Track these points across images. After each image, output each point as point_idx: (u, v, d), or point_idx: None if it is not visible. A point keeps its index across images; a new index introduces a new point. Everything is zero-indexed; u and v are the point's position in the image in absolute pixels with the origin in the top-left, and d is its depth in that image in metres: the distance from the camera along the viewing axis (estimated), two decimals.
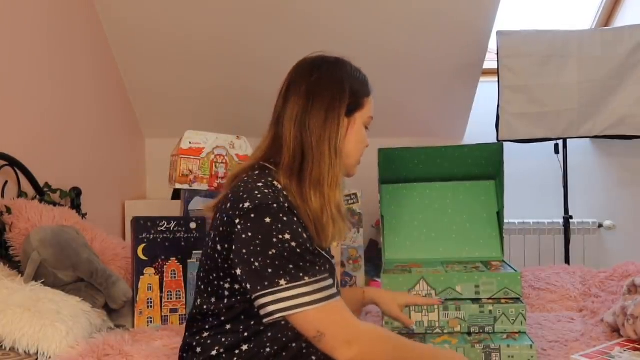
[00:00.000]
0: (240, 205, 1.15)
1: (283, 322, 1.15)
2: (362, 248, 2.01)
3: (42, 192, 2.24)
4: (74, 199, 2.44)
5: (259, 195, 1.16)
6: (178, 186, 2.13)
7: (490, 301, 1.49)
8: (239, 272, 1.15)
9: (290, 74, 1.31)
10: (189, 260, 1.86)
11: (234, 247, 1.15)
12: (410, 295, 1.54)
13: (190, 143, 2.14)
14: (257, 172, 1.24)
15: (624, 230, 3.42)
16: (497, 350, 1.36)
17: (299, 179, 1.21)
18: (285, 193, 1.19)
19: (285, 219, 1.15)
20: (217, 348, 1.19)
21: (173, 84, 3.14)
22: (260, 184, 1.18)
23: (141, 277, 1.81)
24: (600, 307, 1.82)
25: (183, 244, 1.87)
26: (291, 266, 1.12)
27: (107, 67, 2.96)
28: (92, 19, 2.77)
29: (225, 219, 1.18)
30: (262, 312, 1.12)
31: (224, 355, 1.18)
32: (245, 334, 1.18)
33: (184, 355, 1.27)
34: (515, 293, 1.51)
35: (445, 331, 1.49)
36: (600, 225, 3.40)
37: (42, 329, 1.45)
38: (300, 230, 1.16)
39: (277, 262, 1.11)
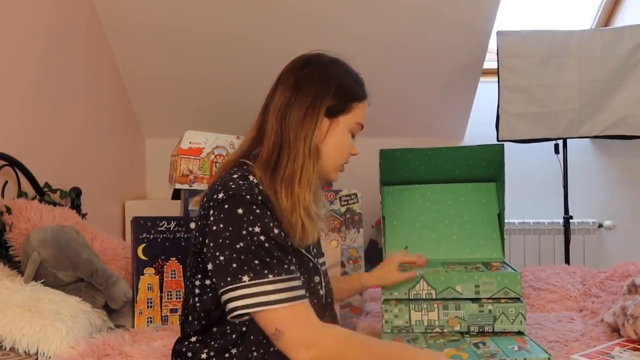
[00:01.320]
0: (215, 197, 1.14)
1: (233, 320, 1.13)
2: (362, 248, 2.01)
3: (42, 192, 2.24)
4: (74, 199, 2.44)
5: (232, 186, 1.14)
6: (178, 186, 2.13)
7: (490, 300, 1.49)
8: (210, 267, 1.13)
9: (285, 66, 1.29)
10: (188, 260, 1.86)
11: (206, 241, 1.14)
12: (403, 255, 1.57)
13: (190, 143, 2.14)
14: (235, 169, 1.22)
15: (624, 230, 3.42)
16: None
17: (272, 173, 1.19)
18: (260, 187, 1.16)
19: (257, 211, 1.12)
20: (206, 351, 1.18)
21: (173, 84, 3.14)
22: (235, 176, 1.17)
23: (141, 277, 1.81)
24: (600, 307, 1.82)
25: (183, 244, 1.87)
26: (256, 262, 1.09)
27: (107, 67, 2.96)
28: (92, 19, 2.77)
29: (202, 212, 1.17)
30: (227, 308, 1.10)
31: (214, 359, 1.17)
32: (233, 336, 1.16)
33: None
34: (515, 293, 1.51)
35: (445, 330, 1.49)
36: (600, 225, 3.41)
37: (42, 329, 1.45)
38: (271, 224, 1.13)
39: (242, 257, 1.09)
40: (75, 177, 2.52)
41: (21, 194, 2.14)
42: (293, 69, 1.26)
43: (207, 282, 1.17)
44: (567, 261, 3.06)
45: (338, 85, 1.24)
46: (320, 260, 1.34)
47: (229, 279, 1.09)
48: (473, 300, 1.50)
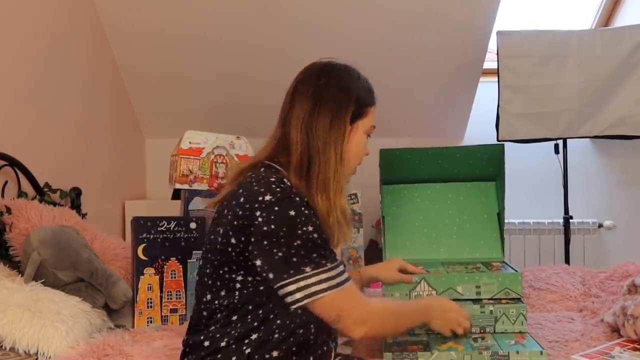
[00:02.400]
0: (260, 198, 1.19)
1: (292, 309, 1.18)
2: (362, 248, 2.01)
3: (42, 192, 2.24)
4: (74, 199, 2.44)
5: (278, 189, 1.20)
6: (178, 186, 2.13)
7: (491, 301, 1.49)
8: (258, 262, 1.19)
9: (298, 76, 1.34)
10: (189, 260, 1.86)
11: (252, 239, 1.18)
12: (402, 261, 1.60)
13: (190, 143, 2.14)
14: (263, 170, 1.27)
15: (624, 230, 3.42)
16: (506, 356, 1.33)
17: (307, 180, 1.25)
18: (295, 190, 1.23)
19: (307, 212, 1.20)
20: (226, 339, 1.20)
21: (173, 84, 3.14)
22: (272, 179, 1.22)
23: (141, 277, 1.81)
24: (600, 307, 1.82)
25: (183, 244, 1.87)
26: (314, 255, 1.18)
27: (107, 67, 2.96)
28: (92, 19, 2.77)
29: (240, 212, 1.20)
30: (290, 299, 1.18)
31: (233, 346, 1.19)
32: (255, 324, 1.20)
33: (187, 356, 1.27)
34: (516, 293, 1.51)
35: None
36: (600, 225, 3.40)
37: (42, 329, 1.45)
38: (319, 223, 1.22)
39: (302, 252, 1.17)
40: (75, 177, 2.52)
41: (21, 194, 2.14)
42: (309, 79, 1.32)
43: (249, 278, 1.21)
44: (567, 261, 3.06)
45: (356, 92, 1.32)
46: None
47: (291, 271, 1.17)
48: (474, 301, 1.50)
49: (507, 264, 1.65)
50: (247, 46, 2.96)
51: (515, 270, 1.56)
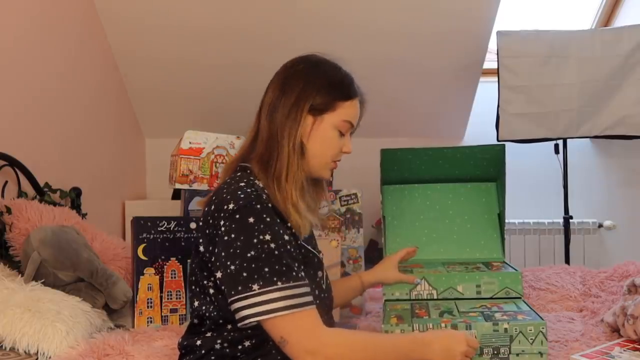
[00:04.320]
0: (225, 207, 1.16)
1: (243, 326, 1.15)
2: (362, 248, 2.01)
3: (42, 192, 2.24)
4: (74, 199, 2.44)
5: (242, 196, 1.16)
6: (178, 186, 2.13)
7: (505, 317, 1.36)
8: (218, 275, 1.16)
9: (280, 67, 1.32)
10: (189, 260, 1.86)
11: (215, 250, 1.17)
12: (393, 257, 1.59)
13: (190, 143, 2.14)
14: (238, 174, 1.25)
15: (624, 230, 3.42)
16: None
17: (265, 169, 1.23)
18: (266, 191, 1.21)
19: (268, 219, 1.15)
20: (219, 342, 1.20)
21: (173, 84, 3.14)
22: (242, 184, 1.20)
23: (141, 277, 1.81)
24: (600, 307, 1.82)
25: (183, 244, 1.87)
26: (266, 269, 1.11)
27: (107, 67, 2.96)
28: (92, 19, 2.77)
29: (210, 221, 1.19)
30: (237, 316, 1.13)
31: (227, 350, 1.19)
32: (249, 331, 1.18)
33: (183, 358, 1.27)
34: (517, 292, 1.51)
35: None
36: (600, 225, 3.41)
37: (42, 329, 1.45)
38: (281, 232, 1.17)
39: (253, 265, 1.11)
40: (75, 177, 2.52)
41: (21, 194, 2.14)
42: (283, 68, 1.30)
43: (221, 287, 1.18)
44: (567, 261, 3.06)
45: (323, 84, 1.26)
46: (320, 255, 1.36)
47: (239, 288, 1.11)
48: (486, 318, 1.37)
49: (507, 264, 1.65)
50: (247, 47, 2.96)
51: (516, 270, 1.56)
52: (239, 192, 1.17)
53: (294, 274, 1.14)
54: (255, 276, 1.11)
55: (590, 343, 1.53)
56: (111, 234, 2.22)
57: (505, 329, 1.30)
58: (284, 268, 1.13)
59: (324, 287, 1.31)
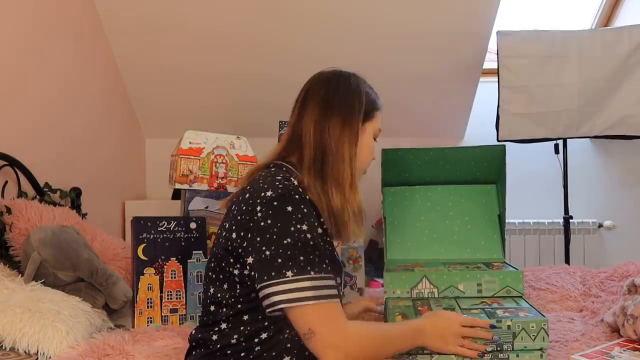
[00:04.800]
0: (262, 194, 1.19)
1: (271, 314, 1.17)
2: (362, 248, 2.01)
3: (42, 192, 2.24)
4: (74, 199, 2.44)
5: (280, 186, 1.20)
6: (178, 186, 2.13)
7: (507, 314, 1.36)
8: (250, 260, 1.18)
9: (307, 84, 1.39)
10: (189, 260, 1.86)
11: (249, 235, 1.18)
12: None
13: (190, 143, 2.14)
14: (273, 169, 1.29)
15: (624, 230, 3.42)
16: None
17: (321, 176, 1.28)
18: (300, 189, 1.24)
19: (305, 210, 1.19)
20: (236, 337, 1.20)
21: (173, 84, 3.14)
22: (279, 177, 1.23)
23: (141, 277, 1.81)
24: (600, 307, 1.82)
25: (183, 244, 1.87)
26: (301, 258, 1.15)
27: (107, 66, 2.96)
28: (91, 18, 2.77)
29: (244, 207, 1.21)
30: (266, 301, 1.15)
31: (243, 344, 1.20)
32: (265, 323, 1.20)
33: (194, 351, 1.27)
34: (517, 291, 1.51)
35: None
36: (600, 225, 3.41)
37: (42, 329, 1.45)
38: (316, 224, 1.20)
39: (288, 252, 1.14)
40: (75, 177, 2.52)
41: (21, 194, 2.14)
42: (320, 84, 1.37)
43: (246, 272, 1.20)
44: (567, 261, 3.06)
45: (365, 96, 1.37)
46: (341, 262, 1.40)
47: (273, 273, 1.14)
48: (489, 315, 1.36)
49: (508, 264, 1.65)
50: (248, 47, 2.96)
51: (516, 269, 1.56)
52: (277, 183, 1.21)
53: (324, 266, 1.17)
54: (290, 263, 1.14)
55: (590, 343, 1.53)
56: (111, 234, 2.22)
57: (509, 326, 1.31)
58: (317, 259, 1.16)
59: (342, 291, 1.34)
